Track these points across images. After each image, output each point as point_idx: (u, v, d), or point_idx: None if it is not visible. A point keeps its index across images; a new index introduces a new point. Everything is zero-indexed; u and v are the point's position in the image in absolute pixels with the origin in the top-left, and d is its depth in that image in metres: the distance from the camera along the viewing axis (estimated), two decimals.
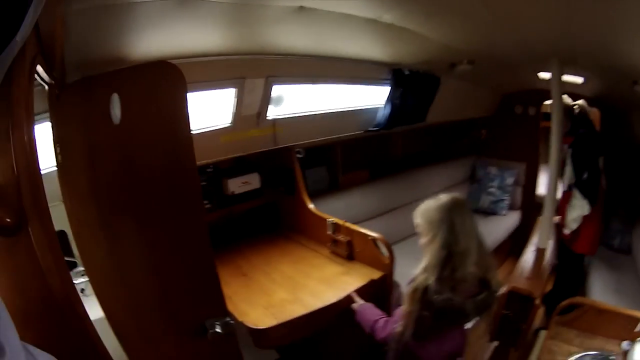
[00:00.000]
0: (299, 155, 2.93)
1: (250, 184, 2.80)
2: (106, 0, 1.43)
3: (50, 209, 1.16)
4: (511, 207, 4.64)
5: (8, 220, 0.99)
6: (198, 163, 2.31)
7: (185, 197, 1.65)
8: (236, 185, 2.75)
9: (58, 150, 1.65)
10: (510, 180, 4.61)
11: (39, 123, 2.12)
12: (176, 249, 1.68)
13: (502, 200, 4.59)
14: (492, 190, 4.63)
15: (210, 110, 2.33)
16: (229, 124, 2.40)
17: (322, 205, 2.91)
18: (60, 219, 1.64)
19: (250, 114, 2.42)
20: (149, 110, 1.56)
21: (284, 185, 2.94)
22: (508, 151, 4.71)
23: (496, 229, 4.27)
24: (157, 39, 1.72)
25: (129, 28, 1.60)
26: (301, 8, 1.74)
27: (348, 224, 2.52)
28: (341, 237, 2.52)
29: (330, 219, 2.59)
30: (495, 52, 2.82)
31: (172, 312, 1.70)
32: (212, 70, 2.10)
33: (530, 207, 4.49)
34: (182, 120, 1.59)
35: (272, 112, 2.51)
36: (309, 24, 1.94)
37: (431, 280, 1.58)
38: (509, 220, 4.52)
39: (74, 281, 1.90)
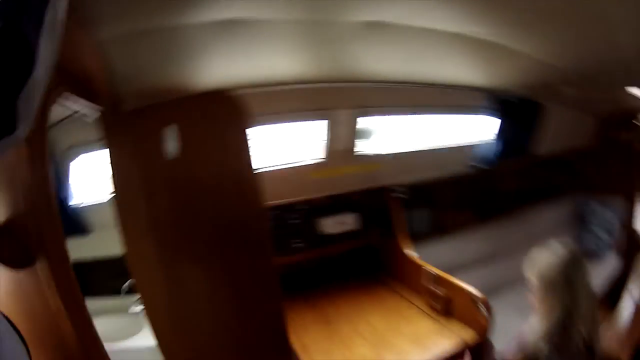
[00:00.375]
0: (400, 195, 2.70)
1: (346, 224, 2.62)
2: (154, 24, 1.34)
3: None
4: (613, 249, 3.88)
5: (15, 255, 1.01)
6: (288, 200, 2.33)
7: (249, 238, 1.57)
8: (331, 225, 2.59)
9: (112, 181, 1.61)
10: (613, 219, 3.91)
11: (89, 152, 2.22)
12: (239, 295, 1.61)
13: (604, 240, 3.89)
14: (593, 229, 3.97)
15: (298, 144, 2.25)
16: (321, 159, 2.29)
17: (423, 249, 2.63)
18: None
19: (341, 148, 2.28)
20: (206, 145, 1.51)
21: (382, 227, 2.71)
22: (612, 185, 4.02)
23: (596, 273, 3.54)
24: (218, 66, 1.64)
25: (185, 54, 1.52)
26: (378, 24, 1.56)
27: (448, 277, 2.22)
28: (439, 291, 2.24)
29: (428, 269, 2.31)
30: (602, 69, 2.41)
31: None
32: (294, 100, 2.00)
33: (635, 248, 3.71)
34: (244, 156, 1.52)
35: (366, 147, 2.36)
36: (390, 42, 1.75)
37: (546, 350, 1.38)
38: (610, 264, 3.79)
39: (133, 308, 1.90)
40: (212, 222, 1.58)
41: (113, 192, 1.63)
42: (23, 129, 0.62)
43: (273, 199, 2.12)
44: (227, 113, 1.52)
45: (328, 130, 2.20)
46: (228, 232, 1.58)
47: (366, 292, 2.58)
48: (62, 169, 2.34)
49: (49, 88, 1.08)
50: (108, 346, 2.05)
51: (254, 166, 1.59)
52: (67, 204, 2.34)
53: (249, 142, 1.56)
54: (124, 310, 2.17)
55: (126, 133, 1.56)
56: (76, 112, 1.50)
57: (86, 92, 1.35)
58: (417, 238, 2.75)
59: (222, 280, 1.61)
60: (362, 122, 2.27)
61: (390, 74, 2.10)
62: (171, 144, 1.50)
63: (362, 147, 2.34)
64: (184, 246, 1.59)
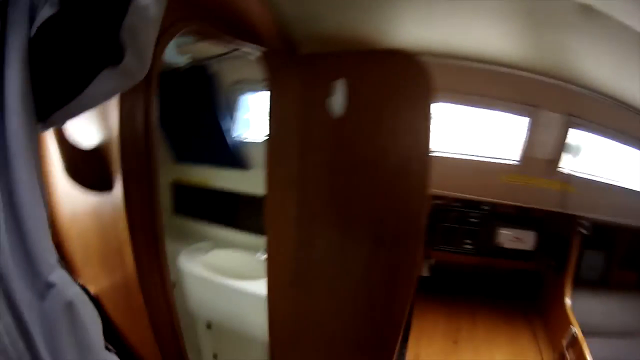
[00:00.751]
0: (583, 231, 2.24)
1: (522, 242, 2.27)
2: None
3: None
4: None
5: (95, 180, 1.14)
6: (474, 197, 2.12)
7: (401, 225, 1.39)
8: (507, 238, 2.28)
9: (269, 124, 1.56)
10: None
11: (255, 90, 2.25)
12: (368, 280, 1.47)
13: None
14: None
15: (491, 136, 1.98)
16: (515, 162, 1.98)
17: (584, 300, 2.17)
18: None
19: (541, 157, 1.93)
20: (379, 109, 1.35)
21: (555, 259, 2.31)
22: None
23: None
24: (409, 24, 1.44)
25: (373, 3, 1.34)
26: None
27: (582, 344, 1.77)
28: (570, 355, 1.83)
29: (573, 328, 1.89)
30: None
31: (332, 341, 1.54)
32: (494, 84, 1.74)
33: None
34: (422, 133, 1.32)
35: (567, 164, 1.96)
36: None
37: None
38: None
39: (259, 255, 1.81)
40: (364, 195, 1.44)
41: (267, 136, 1.57)
42: (132, 61, 0.60)
43: (452, 190, 1.98)
44: (412, 79, 1.31)
45: (529, 131, 1.87)
46: (378, 210, 1.43)
47: (508, 322, 2.25)
48: (229, 102, 2.40)
49: (171, 21, 1.09)
50: (232, 282, 2.12)
51: (430, 147, 1.38)
52: (230, 136, 2.39)
53: (430, 117, 1.34)
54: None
55: (291, 78, 1.48)
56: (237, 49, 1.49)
57: (243, 32, 1.34)
58: (583, 284, 2.30)
59: (355, 258, 1.49)
60: (572, 134, 1.88)
61: (613, 85, 1.68)
62: (339, 99, 1.36)
63: (565, 163, 1.95)
64: (326, 212, 1.50)
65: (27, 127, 0.54)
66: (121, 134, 1.14)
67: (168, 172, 3.00)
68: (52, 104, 0.59)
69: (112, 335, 1.50)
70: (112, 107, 1.10)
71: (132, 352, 1.47)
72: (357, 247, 1.49)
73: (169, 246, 2.51)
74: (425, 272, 2.42)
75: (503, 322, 2.24)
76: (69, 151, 1.28)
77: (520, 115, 1.87)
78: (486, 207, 2.31)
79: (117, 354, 1.42)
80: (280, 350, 1.66)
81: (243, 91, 2.38)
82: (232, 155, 2.43)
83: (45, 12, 0.54)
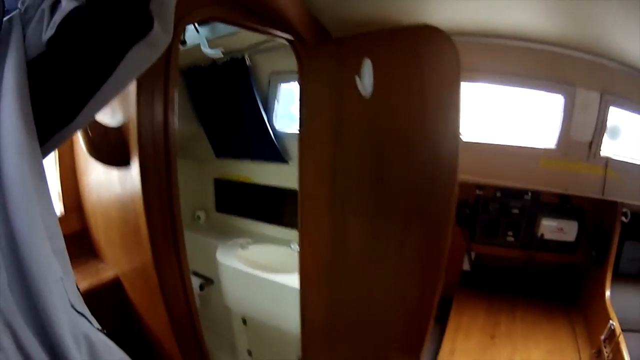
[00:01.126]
0: (623, 220, 2.07)
1: (564, 233, 2.13)
2: None
3: None
4: None
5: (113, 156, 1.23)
6: (509, 183, 2.02)
7: (431, 209, 1.33)
8: (549, 229, 2.14)
9: (302, 112, 1.55)
10: None
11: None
12: (398, 266, 1.42)
13: None
14: None
15: (530, 120, 1.87)
16: (553, 147, 1.86)
17: (623, 293, 2.04)
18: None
19: (579, 139, 1.81)
20: (407, 88, 1.29)
21: (596, 250, 2.15)
22: None
23: None
24: (440, 2, 1.36)
25: None
26: None
27: (622, 343, 1.65)
28: (607, 351, 1.70)
29: (611, 323, 1.77)
30: None
31: (363, 332, 1.49)
32: (528, 62, 1.64)
33: None
34: (451, 114, 1.26)
35: (607, 147, 1.83)
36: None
37: None
38: None
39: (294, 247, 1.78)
40: (394, 177, 1.39)
41: (301, 122, 1.56)
42: (159, 31, 0.60)
43: (489, 178, 1.90)
44: (440, 53, 1.26)
45: (567, 111, 1.76)
46: (408, 192, 1.38)
47: (548, 317, 2.13)
48: (268, 93, 2.38)
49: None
50: (267, 275, 2.10)
51: (459, 124, 1.31)
52: (270, 129, 2.36)
53: (460, 92, 1.28)
54: None
55: (323, 63, 1.47)
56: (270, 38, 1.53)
57: (274, 19, 1.36)
58: (627, 277, 2.17)
59: (386, 245, 1.43)
60: (613, 115, 1.75)
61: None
62: (368, 78, 1.32)
63: (606, 146, 1.82)
64: (358, 196, 1.46)
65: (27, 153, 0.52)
66: (139, 114, 1.18)
67: (211, 169, 3.04)
68: (80, 95, 0.58)
69: (132, 317, 1.51)
70: (132, 86, 1.14)
71: (150, 334, 1.47)
72: (388, 233, 1.44)
73: (212, 242, 2.52)
74: (466, 266, 2.36)
75: (543, 317, 2.12)
76: (90, 127, 1.30)
77: (557, 94, 1.75)
78: (527, 197, 2.19)
79: (135, 335, 1.42)
80: (311, 342, 1.62)
81: (281, 81, 2.36)
82: (273, 149, 2.40)
83: (67, 5, 0.54)
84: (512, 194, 2.20)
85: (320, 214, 1.58)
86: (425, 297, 1.42)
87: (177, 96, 1.29)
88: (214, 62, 2.33)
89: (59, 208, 1.64)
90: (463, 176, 1.73)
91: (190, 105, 2.69)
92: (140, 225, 1.24)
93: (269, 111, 2.39)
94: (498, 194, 2.22)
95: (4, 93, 0.51)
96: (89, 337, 0.56)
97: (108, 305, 1.52)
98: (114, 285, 1.55)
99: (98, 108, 0.61)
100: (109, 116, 1.27)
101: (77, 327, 0.54)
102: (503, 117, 1.90)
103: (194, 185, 3.13)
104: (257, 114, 2.32)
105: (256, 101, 2.30)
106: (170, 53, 1.21)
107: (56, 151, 1.61)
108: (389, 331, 1.56)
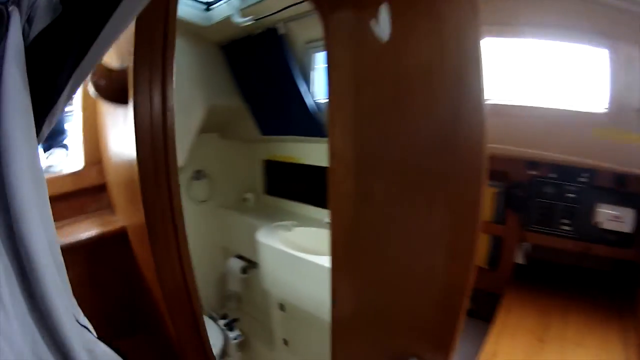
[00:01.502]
0: None
1: (621, 222, 1.84)
2: None
3: None
4: None
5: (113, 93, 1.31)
6: (569, 159, 1.81)
7: (457, 171, 1.17)
8: (606, 217, 1.87)
9: (330, 75, 1.45)
10: None
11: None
12: (425, 243, 1.27)
13: None
14: None
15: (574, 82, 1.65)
16: (603, 112, 1.62)
17: None
18: None
19: (629, 104, 1.54)
20: (422, 31, 1.16)
21: None
22: None
23: None
24: None
25: None
26: None
27: None
28: None
29: None
30: None
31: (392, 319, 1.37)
32: (564, 10, 1.45)
33: None
34: (469, 66, 1.10)
35: None
36: None
37: None
38: None
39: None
40: (414, 140, 1.25)
41: (328, 89, 1.47)
42: None
43: (532, 147, 1.73)
44: (458, 10, 1.10)
45: (611, 67, 1.51)
46: (431, 156, 1.23)
47: (602, 320, 1.85)
48: (304, 64, 2.31)
49: None
50: (306, 256, 2.06)
51: (484, 91, 1.13)
52: (309, 101, 2.28)
53: (480, 55, 1.11)
54: None
55: (343, 17, 1.37)
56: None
57: None
58: None
59: (412, 219, 1.30)
60: None
61: None
62: (384, 22, 1.21)
63: None
64: (381, 162, 1.34)
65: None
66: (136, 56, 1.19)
67: (260, 150, 3.05)
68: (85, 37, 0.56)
69: (137, 270, 1.53)
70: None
71: (150, 289, 1.47)
72: (414, 198, 1.31)
73: (258, 225, 2.52)
74: (520, 259, 2.13)
75: (597, 320, 1.86)
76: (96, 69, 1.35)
77: (603, 49, 1.52)
78: (584, 179, 1.92)
79: (140, 288, 1.44)
80: (340, 327, 1.53)
81: (317, 50, 2.28)
82: (314, 124, 2.30)
83: None
84: (567, 175, 1.93)
85: (346, 175, 1.46)
86: (457, 276, 1.24)
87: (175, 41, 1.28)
88: (249, 35, 2.30)
89: (80, 161, 1.72)
90: (503, 145, 1.55)
91: (234, 82, 2.67)
92: (135, 179, 1.25)
93: (308, 83, 2.30)
94: (552, 175, 1.97)
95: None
96: (93, 351, 0.57)
97: (114, 255, 1.58)
98: (122, 236, 1.57)
99: (103, 49, 0.60)
100: (112, 59, 1.33)
101: (82, 339, 0.55)
102: (547, 78, 1.69)
103: (242, 166, 3.16)
104: (294, 86, 2.25)
105: (292, 73, 2.23)
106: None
107: (79, 106, 1.70)
108: (417, 319, 1.40)
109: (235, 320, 2.86)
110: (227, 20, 2.10)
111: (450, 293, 1.26)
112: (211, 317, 2.85)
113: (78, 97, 1.69)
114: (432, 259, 1.29)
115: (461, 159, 1.19)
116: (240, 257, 2.97)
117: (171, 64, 1.29)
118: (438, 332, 1.31)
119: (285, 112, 2.46)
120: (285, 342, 2.60)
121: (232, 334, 2.71)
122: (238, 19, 2.01)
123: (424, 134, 1.23)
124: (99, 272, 1.59)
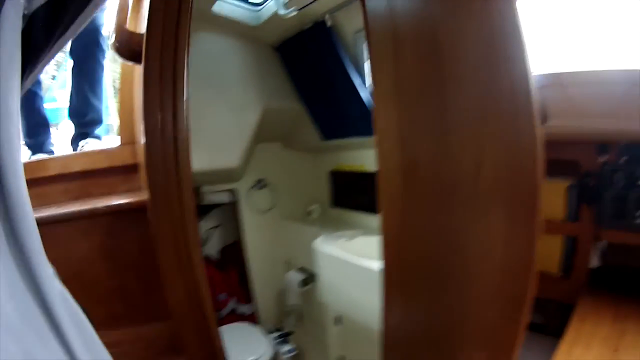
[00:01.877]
0: None
1: None
2: None
3: None
4: None
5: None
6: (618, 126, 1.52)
7: (506, 135, 0.97)
8: None
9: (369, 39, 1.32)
10: None
11: None
12: (477, 200, 1.05)
13: None
14: None
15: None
16: None
17: None
18: None
19: None
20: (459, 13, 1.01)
21: None
22: None
23: None
24: None
25: None
26: None
27: None
28: None
29: None
30: None
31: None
32: None
33: None
34: (508, 39, 0.93)
35: None
36: None
37: None
38: None
39: None
40: (456, 95, 1.08)
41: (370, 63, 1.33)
42: None
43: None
44: None
45: None
46: (477, 149, 1.04)
47: None
48: (355, 55, 2.20)
49: None
50: (363, 262, 1.91)
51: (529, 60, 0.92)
52: (362, 98, 2.16)
53: (518, 22, 0.92)
54: None
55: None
56: None
57: None
58: None
59: (458, 176, 1.10)
60: None
61: None
62: None
63: None
64: (421, 114, 1.18)
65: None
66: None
67: (325, 160, 2.93)
68: None
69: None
70: None
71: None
72: (461, 157, 1.10)
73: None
74: (594, 262, 1.81)
75: None
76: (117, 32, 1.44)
77: None
78: None
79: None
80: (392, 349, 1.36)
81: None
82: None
83: None
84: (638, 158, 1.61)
85: (391, 162, 1.28)
86: (516, 285, 1.03)
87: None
88: (301, 31, 2.26)
89: (117, 139, 1.78)
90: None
91: (290, 84, 2.63)
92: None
93: (362, 76, 2.17)
94: (624, 158, 1.65)
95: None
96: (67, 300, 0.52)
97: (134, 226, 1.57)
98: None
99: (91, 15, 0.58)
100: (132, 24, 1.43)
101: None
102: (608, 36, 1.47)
103: (307, 177, 3.05)
104: (348, 81, 2.13)
105: (345, 66, 2.12)
106: None
107: (116, 86, 1.76)
108: (472, 335, 1.18)
109: (289, 333, 2.71)
110: (275, 16, 2.09)
111: (510, 305, 1.04)
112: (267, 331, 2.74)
113: (116, 80, 1.78)
114: (488, 266, 1.07)
115: (510, 124, 0.98)
116: (303, 270, 2.85)
117: (185, 32, 1.27)
118: (496, 348, 1.08)
119: (342, 111, 2.33)
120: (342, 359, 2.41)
121: (284, 348, 2.57)
122: (283, 11, 2.00)
123: (470, 98, 1.05)
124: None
